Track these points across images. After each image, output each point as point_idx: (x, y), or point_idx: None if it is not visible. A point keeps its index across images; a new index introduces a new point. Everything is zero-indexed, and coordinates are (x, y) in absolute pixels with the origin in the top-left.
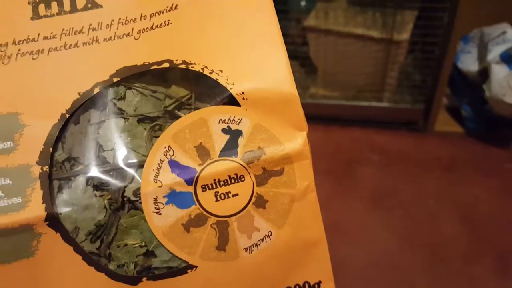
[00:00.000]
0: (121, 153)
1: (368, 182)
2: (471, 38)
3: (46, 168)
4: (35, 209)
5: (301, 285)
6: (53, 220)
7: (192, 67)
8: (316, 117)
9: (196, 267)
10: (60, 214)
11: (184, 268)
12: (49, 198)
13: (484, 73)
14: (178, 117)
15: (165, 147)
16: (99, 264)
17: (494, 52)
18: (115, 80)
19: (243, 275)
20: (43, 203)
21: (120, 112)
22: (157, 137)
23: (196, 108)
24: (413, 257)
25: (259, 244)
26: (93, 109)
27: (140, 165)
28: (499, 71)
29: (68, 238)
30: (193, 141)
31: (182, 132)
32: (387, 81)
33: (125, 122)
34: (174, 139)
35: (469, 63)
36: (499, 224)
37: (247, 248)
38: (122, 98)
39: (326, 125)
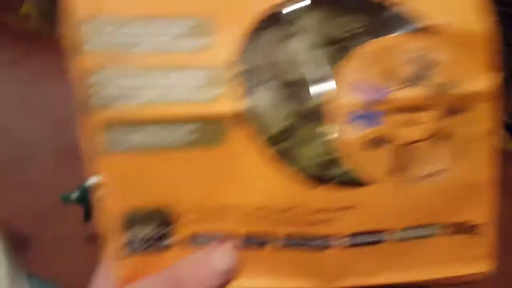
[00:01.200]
0: (306, 69)
1: None
2: None
3: (239, 69)
4: (229, 104)
5: (462, 224)
6: (243, 116)
7: None
8: None
9: (373, 183)
10: (252, 115)
11: (363, 182)
12: (242, 96)
13: None
14: (362, 41)
15: (357, 65)
16: (284, 161)
17: None
18: None
19: (413, 201)
20: (236, 99)
21: (304, 31)
22: (340, 58)
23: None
24: None
25: (434, 175)
26: (277, 26)
27: (325, 82)
28: None
29: (258, 135)
30: (385, 65)
31: (375, 54)
32: None
33: (309, 40)
34: (366, 59)
35: None
36: None
37: (422, 177)
38: (307, 16)
39: None
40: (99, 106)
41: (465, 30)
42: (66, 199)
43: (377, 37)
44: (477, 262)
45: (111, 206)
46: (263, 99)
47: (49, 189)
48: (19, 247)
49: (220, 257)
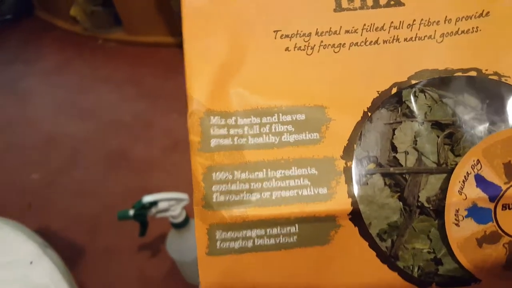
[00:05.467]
0: (413, 157)
1: None
2: None
3: (350, 163)
4: (341, 202)
5: None
6: (355, 215)
7: (505, 79)
8: None
9: (480, 281)
10: (361, 210)
11: (468, 280)
12: (353, 193)
13: None
14: (472, 127)
15: (473, 161)
16: (392, 262)
17: None
18: (413, 82)
19: None
20: (348, 197)
21: (412, 115)
22: (448, 144)
23: (489, 121)
24: None
25: None
26: (385, 108)
27: (432, 172)
28: None
29: (365, 233)
30: (503, 158)
31: (493, 147)
32: None
33: (418, 126)
34: (484, 154)
35: None
36: None
37: None
38: (415, 101)
39: None
40: (208, 207)
41: None
42: (122, 217)
43: (493, 124)
44: None
45: None
46: (371, 193)
47: (100, 194)
48: (72, 257)
49: None
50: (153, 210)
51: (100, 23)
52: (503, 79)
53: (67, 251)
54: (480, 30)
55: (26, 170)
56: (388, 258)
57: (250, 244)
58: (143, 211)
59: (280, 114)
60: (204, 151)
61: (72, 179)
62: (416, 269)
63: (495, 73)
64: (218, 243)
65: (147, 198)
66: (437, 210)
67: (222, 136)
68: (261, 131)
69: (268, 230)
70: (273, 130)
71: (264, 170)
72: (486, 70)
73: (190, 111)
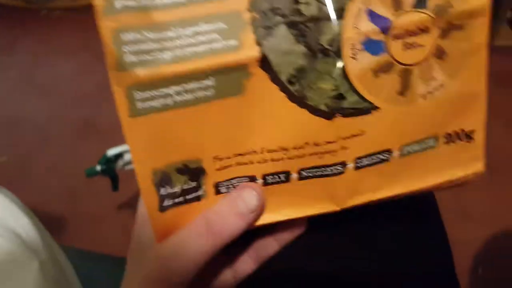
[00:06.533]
0: (314, 6)
1: None
2: None
3: (255, 14)
4: (250, 51)
5: (458, 132)
6: (264, 62)
7: None
8: None
9: (379, 108)
10: (269, 58)
11: (369, 109)
12: (261, 41)
13: None
14: None
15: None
16: (301, 100)
17: None
18: None
19: (415, 119)
20: (256, 45)
21: None
22: None
23: None
24: None
25: (434, 92)
26: None
27: (331, 17)
28: None
29: (275, 78)
30: None
31: None
32: None
33: None
34: None
35: None
36: None
37: (424, 94)
38: None
39: None
40: (121, 69)
41: None
42: (90, 173)
43: None
44: (472, 164)
45: (141, 167)
46: (278, 41)
47: (74, 165)
48: (54, 227)
49: (245, 199)
50: (120, 162)
51: None
52: None
53: (50, 223)
54: None
55: None
56: (298, 98)
57: (169, 101)
58: (110, 164)
59: None
60: (110, 14)
61: (44, 156)
62: (323, 107)
63: None
64: (138, 104)
65: (111, 151)
66: (338, 51)
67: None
68: None
69: (185, 85)
70: None
71: (174, 28)
72: None
73: None
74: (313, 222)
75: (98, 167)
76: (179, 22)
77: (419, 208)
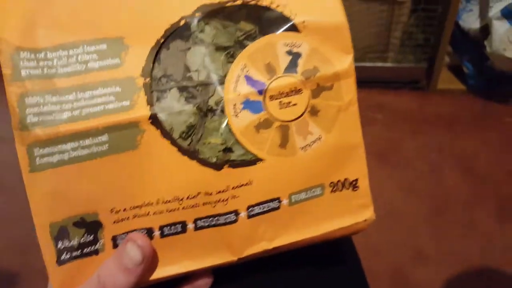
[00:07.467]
0: (203, 73)
1: (373, 140)
2: None
3: (148, 79)
4: (141, 110)
5: (342, 181)
6: (154, 119)
7: (261, 2)
8: None
9: (263, 160)
10: (160, 117)
11: (254, 161)
12: (152, 102)
13: (486, 30)
14: (247, 46)
15: (242, 65)
16: (191, 154)
17: (495, 8)
18: (197, 15)
19: (298, 169)
20: (147, 105)
21: (201, 42)
22: (230, 62)
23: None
24: (418, 206)
25: (312, 145)
26: (180, 39)
27: (218, 82)
28: (500, 27)
29: (166, 134)
30: (263, 61)
31: (255, 53)
32: (391, 41)
33: (205, 49)
34: (249, 58)
35: (470, 21)
36: (498, 174)
37: (303, 147)
38: (202, 31)
39: None
40: (24, 129)
41: (324, 23)
42: None
43: (265, 35)
44: (362, 212)
45: (39, 220)
46: (170, 103)
47: (27, 214)
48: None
49: (129, 253)
50: None
51: None
52: (259, 3)
53: (2, 278)
54: None
55: None
56: (188, 152)
57: (66, 156)
58: None
59: (85, 46)
60: (16, 81)
61: None
62: (214, 159)
63: None
64: (37, 160)
65: None
66: (223, 111)
67: (32, 68)
68: (69, 61)
69: (81, 141)
70: (79, 60)
71: (74, 93)
72: None
73: (0, 49)
74: (224, 273)
75: None
76: (78, 87)
77: (335, 251)
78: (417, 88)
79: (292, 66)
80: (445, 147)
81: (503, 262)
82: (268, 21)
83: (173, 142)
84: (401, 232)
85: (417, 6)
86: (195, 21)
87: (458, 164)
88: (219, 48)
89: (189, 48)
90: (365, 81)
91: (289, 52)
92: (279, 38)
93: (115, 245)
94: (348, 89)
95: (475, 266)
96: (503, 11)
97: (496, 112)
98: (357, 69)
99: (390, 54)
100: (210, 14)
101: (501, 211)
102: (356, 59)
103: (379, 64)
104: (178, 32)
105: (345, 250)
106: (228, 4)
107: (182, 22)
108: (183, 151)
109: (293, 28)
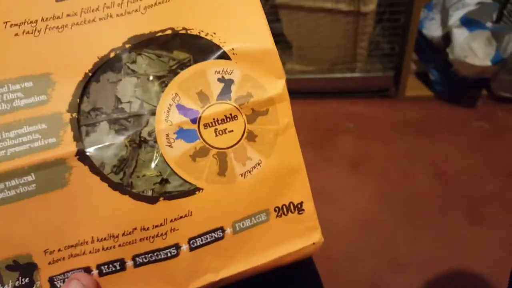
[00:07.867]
0: (136, 104)
1: (346, 149)
2: (434, 5)
3: (74, 115)
4: (67, 146)
5: (287, 205)
6: (82, 155)
7: (190, 31)
8: (294, 91)
9: (202, 189)
10: (89, 152)
11: (192, 191)
12: (79, 138)
13: (447, 37)
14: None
15: (173, 94)
16: (123, 188)
17: (455, 17)
18: (127, 46)
19: (240, 196)
20: (73, 141)
21: (133, 73)
22: (162, 90)
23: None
24: (392, 213)
25: (252, 171)
26: (110, 71)
27: (151, 113)
28: (460, 34)
29: (95, 169)
30: (195, 89)
31: (186, 81)
32: (358, 52)
33: (137, 80)
34: (180, 87)
35: (433, 29)
36: (469, 177)
37: (243, 173)
38: (134, 62)
39: (304, 99)
40: None
41: (253, 50)
42: None
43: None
44: (310, 235)
45: None
46: (99, 136)
47: None
48: None
49: None
50: None
51: None
52: (188, 32)
53: None
54: (169, 0)
55: None
56: (120, 186)
57: None
58: None
59: (10, 85)
60: None
61: None
62: (150, 192)
63: (183, 28)
64: None
65: None
66: (157, 141)
67: None
68: None
69: (7, 183)
70: (4, 99)
71: None
72: (177, 27)
73: None
74: None
75: None
76: (3, 126)
77: (296, 272)
78: (386, 96)
79: (225, 93)
80: (416, 153)
81: (476, 263)
82: (201, 50)
83: (103, 178)
84: (378, 241)
85: (381, 17)
86: (126, 53)
87: (429, 169)
88: (153, 78)
89: (120, 80)
90: (335, 92)
91: (221, 79)
92: (210, 66)
93: (53, 287)
94: (284, 113)
95: (451, 269)
96: (462, 19)
97: (463, 116)
98: (327, 80)
99: (358, 64)
100: (141, 44)
101: (473, 213)
102: (325, 70)
103: (348, 74)
104: (108, 64)
105: (306, 270)
106: (159, 34)
107: (112, 54)
108: (113, 186)
109: (225, 56)
